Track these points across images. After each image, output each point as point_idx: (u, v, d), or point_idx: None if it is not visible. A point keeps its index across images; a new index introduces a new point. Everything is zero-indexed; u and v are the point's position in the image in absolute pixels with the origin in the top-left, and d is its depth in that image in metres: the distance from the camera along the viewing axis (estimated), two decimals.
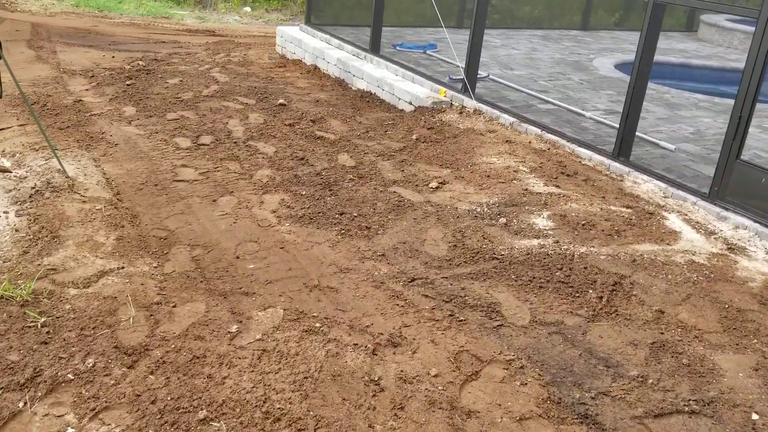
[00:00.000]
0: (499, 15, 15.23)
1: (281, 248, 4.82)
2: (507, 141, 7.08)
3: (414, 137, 7.15)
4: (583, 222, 5.39)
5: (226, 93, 8.35)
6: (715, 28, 14.21)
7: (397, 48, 10.23)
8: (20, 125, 6.90)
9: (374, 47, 9.48)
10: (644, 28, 6.28)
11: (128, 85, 8.50)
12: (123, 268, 4.37)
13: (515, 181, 6.12)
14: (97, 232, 4.77)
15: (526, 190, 5.95)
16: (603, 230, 5.30)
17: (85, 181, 5.51)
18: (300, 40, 10.32)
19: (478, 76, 8.54)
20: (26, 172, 5.50)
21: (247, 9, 19.14)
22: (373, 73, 8.87)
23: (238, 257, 4.66)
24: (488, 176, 6.22)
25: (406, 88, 8.35)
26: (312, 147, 6.76)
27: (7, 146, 6.18)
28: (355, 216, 5.36)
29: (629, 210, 5.69)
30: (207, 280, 4.35)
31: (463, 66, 8.11)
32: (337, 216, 5.34)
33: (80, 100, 7.81)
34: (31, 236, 4.61)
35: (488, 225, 5.31)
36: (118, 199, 5.36)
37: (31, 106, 5.66)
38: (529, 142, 7.08)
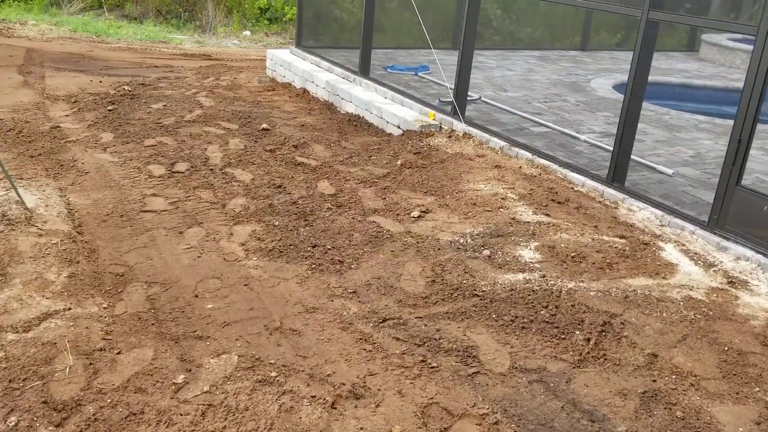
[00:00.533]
0: (499, 36, 14.98)
1: (245, 285, 4.46)
2: (496, 166, 6.72)
3: (399, 162, 6.80)
4: (572, 254, 5.01)
5: (209, 118, 8.06)
6: (716, 48, 13.86)
7: (388, 70, 9.93)
8: None
9: (363, 70, 9.18)
10: (637, 47, 5.94)
11: (110, 110, 8.22)
12: (70, 309, 4.02)
13: (502, 210, 5.75)
14: (48, 269, 4.43)
15: (514, 218, 5.58)
16: (594, 263, 4.91)
17: (45, 213, 5.19)
18: (290, 63, 10.04)
19: (470, 98, 8.21)
20: None
21: (247, 33, 19.01)
22: (361, 96, 8.56)
23: (197, 296, 4.30)
24: (474, 204, 5.85)
25: (394, 111, 8.02)
26: (291, 174, 6.42)
27: None
28: (329, 249, 5.00)
29: (623, 240, 5.30)
30: (159, 323, 3.99)
31: (452, 88, 7.78)
32: (309, 249, 4.98)
33: (58, 127, 7.53)
34: None
35: (471, 258, 4.93)
36: (77, 231, 5.03)
37: None
38: (520, 167, 6.71)
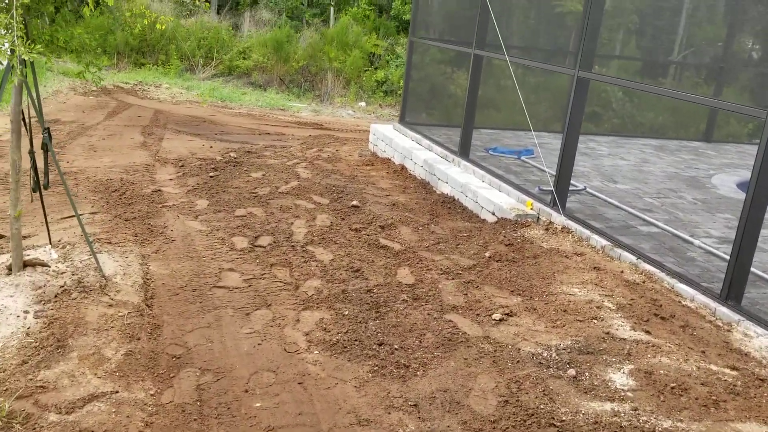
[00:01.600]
0: (619, 119, 14.26)
1: (299, 383, 4.12)
2: (595, 268, 6.08)
3: (488, 254, 6.33)
4: (672, 384, 4.29)
5: (302, 190, 7.99)
6: None
7: (490, 152, 9.57)
8: (91, 213, 6.81)
9: (463, 150, 8.87)
10: (763, 142, 5.21)
11: (211, 177, 8.37)
12: (117, 392, 3.83)
13: (596, 321, 5.11)
14: (108, 344, 4.30)
15: (608, 333, 4.92)
16: (697, 398, 4.17)
17: (121, 282, 5.15)
18: (391, 139, 9.93)
19: (573, 188, 7.65)
20: (66, 266, 5.23)
21: (362, 104, 19.42)
22: (457, 178, 8.22)
23: (247, 390, 4.00)
24: (565, 311, 5.25)
25: (490, 197, 7.60)
26: (372, 257, 6.12)
27: (65, 236, 6.03)
28: (396, 349, 4.58)
29: (735, 372, 4.50)
30: (203, 418, 3.70)
31: (554, 175, 7.27)
32: (375, 346, 4.58)
33: (159, 191, 7.71)
34: (38, 343, 4.21)
35: (553, 376, 4.34)
36: (147, 304, 4.93)
37: (72, 197, 5.45)
38: (621, 272, 6.04)
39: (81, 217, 6.46)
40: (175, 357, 4.31)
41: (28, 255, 5.23)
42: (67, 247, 5.68)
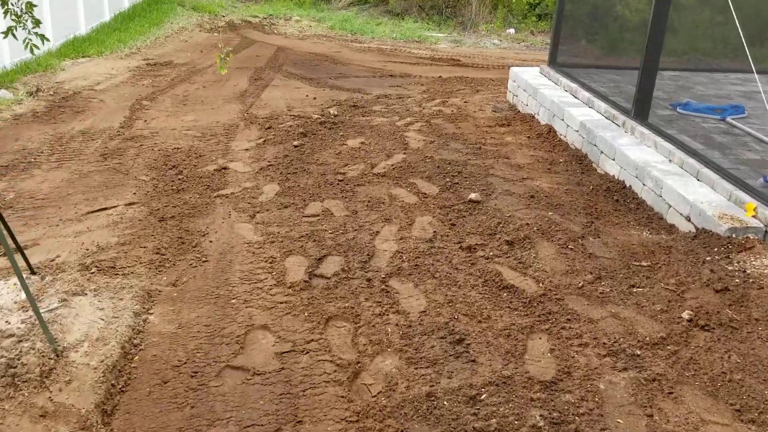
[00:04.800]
0: None
1: None
2: None
3: (686, 315, 3.53)
4: None
5: (406, 170, 5.49)
6: None
7: (679, 110, 6.35)
8: (127, 205, 4.86)
9: (640, 108, 5.78)
10: None
11: (296, 146, 6.10)
12: None
13: None
14: None
15: None
16: None
17: (81, 360, 3.10)
18: (536, 89, 6.99)
19: None
20: (17, 320, 3.27)
21: (510, 31, 16.06)
22: (629, 154, 5.27)
23: None
24: None
25: (681, 190, 4.64)
26: (488, 311, 3.58)
27: (71, 249, 4.11)
28: None
29: None
30: None
31: None
32: None
33: (225, 168, 5.60)
34: None
35: None
36: (104, 412, 2.85)
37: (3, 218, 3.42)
38: None
39: (108, 210, 4.52)
40: None
41: None
42: (47, 277, 3.75)
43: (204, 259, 4.09)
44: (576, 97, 6.66)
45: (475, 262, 4.03)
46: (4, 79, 8.39)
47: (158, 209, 4.77)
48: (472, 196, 4.87)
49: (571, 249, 4.22)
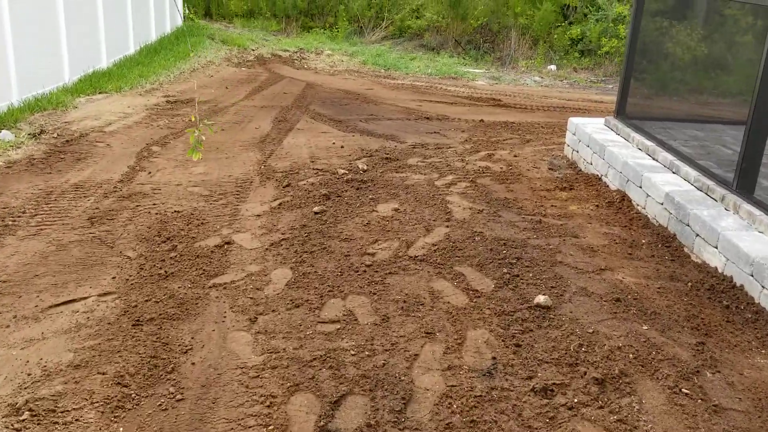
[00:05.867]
0: None
1: None
2: None
3: None
4: None
5: (450, 252, 4.27)
6: None
7: None
8: (100, 296, 3.73)
9: (745, 179, 4.49)
10: None
11: (316, 213, 4.94)
12: None
13: None
14: None
15: None
16: None
17: None
18: (602, 146, 5.73)
19: None
20: None
21: (552, 68, 14.86)
22: (738, 243, 3.97)
23: None
24: None
25: None
26: None
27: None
28: None
29: None
30: None
31: None
32: None
33: (229, 243, 4.46)
34: None
35: None
36: None
37: None
38: None
39: (76, 304, 3.41)
40: None
41: None
42: None
43: (179, 395, 2.91)
44: (654, 159, 5.37)
45: (554, 416, 2.78)
46: (9, 118, 7.47)
47: (136, 305, 3.63)
48: (540, 299, 3.62)
49: (687, 394, 2.93)
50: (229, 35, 14.93)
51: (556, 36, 15.71)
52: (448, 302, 3.66)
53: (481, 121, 8.66)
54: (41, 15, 8.69)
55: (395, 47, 15.69)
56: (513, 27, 15.73)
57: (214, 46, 13.67)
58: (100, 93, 9.35)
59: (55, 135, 7.20)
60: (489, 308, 3.60)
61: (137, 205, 5.18)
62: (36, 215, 4.97)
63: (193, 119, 3.70)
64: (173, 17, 14.72)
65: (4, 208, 5.09)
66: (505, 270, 4.01)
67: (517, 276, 3.94)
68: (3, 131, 7.07)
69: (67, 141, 7.00)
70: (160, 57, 11.81)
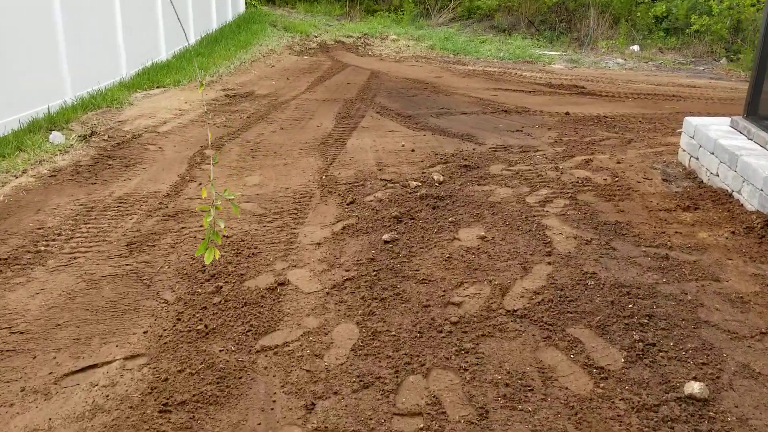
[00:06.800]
0: None
1: None
2: None
3: None
4: None
5: (557, 306, 3.27)
6: None
7: None
8: (125, 359, 2.99)
9: None
10: None
11: (386, 243, 4.04)
12: None
13: None
14: None
15: None
16: None
17: None
18: (734, 156, 4.52)
19: None
20: None
21: (635, 48, 13.32)
22: None
23: None
24: None
25: None
26: None
27: None
28: None
29: None
30: None
31: None
32: None
33: (283, 284, 3.63)
34: None
35: None
36: None
37: None
38: None
39: (97, 373, 2.67)
40: None
41: None
42: None
43: None
44: None
45: None
46: (61, 118, 6.92)
47: (167, 378, 2.85)
48: (694, 389, 2.58)
49: None
50: (292, 21, 14.14)
51: (638, 13, 14.11)
52: (566, 387, 2.69)
53: (567, 114, 7.51)
54: (95, 4, 8.09)
55: (464, 29, 14.49)
56: (591, 4, 14.20)
57: (276, 34, 12.92)
58: (157, 87, 8.75)
59: (105, 137, 6.59)
60: (623, 398, 2.61)
61: (182, 227, 4.44)
62: (71, 238, 4.31)
63: (208, 179, 2.84)
64: (235, 4, 14.06)
65: (40, 228, 4.45)
66: (635, 335, 2.99)
67: (653, 345, 2.92)
68: (54, 133, 6.52)
69: (117, 144, 6.38)
70: (220, 46, 11.15)
